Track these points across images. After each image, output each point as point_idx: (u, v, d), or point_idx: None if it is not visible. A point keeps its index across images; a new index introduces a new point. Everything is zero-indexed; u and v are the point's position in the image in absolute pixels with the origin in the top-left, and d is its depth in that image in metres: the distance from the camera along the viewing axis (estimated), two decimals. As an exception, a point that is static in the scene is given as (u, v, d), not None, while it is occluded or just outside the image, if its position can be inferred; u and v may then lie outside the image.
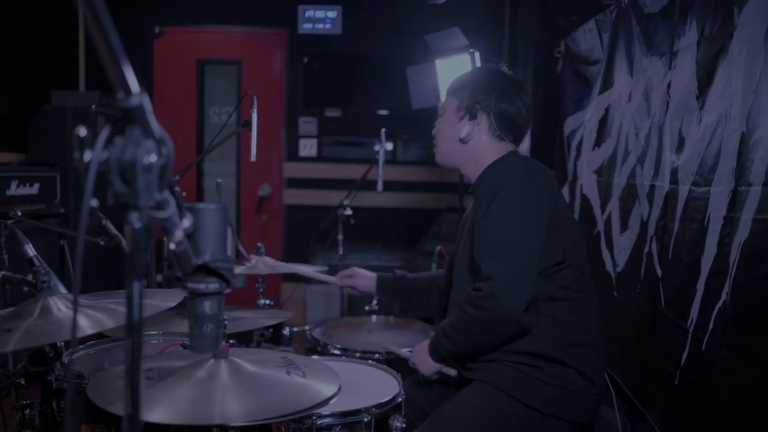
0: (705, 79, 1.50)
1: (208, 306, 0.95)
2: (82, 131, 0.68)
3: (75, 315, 0.65)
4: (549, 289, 1.49)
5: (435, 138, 1.75)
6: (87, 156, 0.68)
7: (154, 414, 1.01)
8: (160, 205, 0.74)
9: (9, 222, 2.14)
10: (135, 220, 0.68)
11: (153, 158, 0.68)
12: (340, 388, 1.16)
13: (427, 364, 1.63)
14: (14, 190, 3.29)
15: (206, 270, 0.91)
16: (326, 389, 1.13)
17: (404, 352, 1.79)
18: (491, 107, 1.62)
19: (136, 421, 0.71)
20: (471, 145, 1.65)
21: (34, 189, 3.41)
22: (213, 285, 0.92)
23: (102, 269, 3.63)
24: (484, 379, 1.55)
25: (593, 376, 1.51)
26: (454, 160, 1.72)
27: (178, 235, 0.81)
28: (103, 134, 0.68)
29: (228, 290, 2.14)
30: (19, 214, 2.29)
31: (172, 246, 0.81)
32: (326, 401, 1.10)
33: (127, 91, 0.66)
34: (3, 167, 3.34)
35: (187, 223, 0.83)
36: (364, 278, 2.07)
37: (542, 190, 1.52)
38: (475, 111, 1.63)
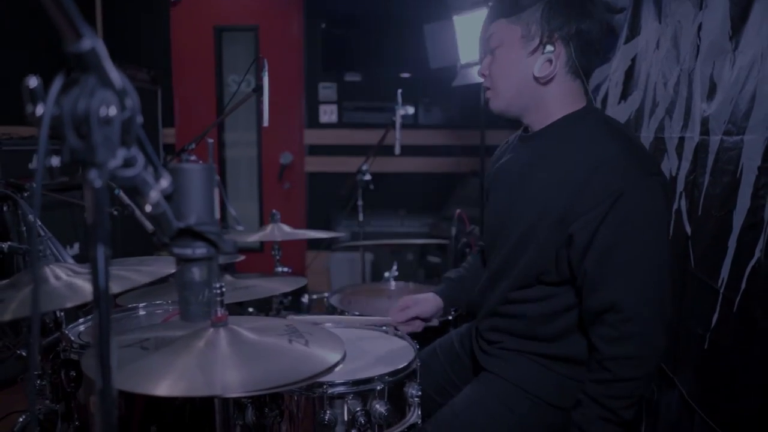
0: (739, 16, 1.38)
1: (197, 272, 0.90)
2: (33, 82, 0.62)
3: (36, 286, 0.61)
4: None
5: (486, 79, 1.39)
6: (39, 109, 0.62)
7: (151, 386, 0.97)
8: (128, 163, 0.68)
9: (25, 194, 2.14)
10: (94, 178, 0.63)
11: (112, 110, 0.63)
12: (344, 356, 1.11)
13: None
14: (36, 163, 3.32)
15: (192, 234, 0.86)
16: (329, 357, 1.08)
17: None
18: (571, 33, 1.28)
19: (108, 396, 0.66)
20: (550, 86, 1.32)
21: (56, 162, 3.43)
22: (200, 250, 0.87)
23: (127, 238, 3.66)
24: (501, 374, 1.41)
25: None
26: (520, 106, 1.37)
27: (154, 195, 0.75)
28: (56, 85, 0.62)
29: (240, 257, 2.08)
30: (35, 186, 2.30)
31: (148, 208, 0.76)
32: (329, 370, 1.05)
33: (76, 33, 0.59)
34: (25, 141, 3.36)
35: (164, 183, 0.77)
36: (426, 302, 1.62)
37: (665, 191, 1.26)
38: (553, 40, 1.28)
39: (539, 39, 1.29)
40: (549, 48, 1.29)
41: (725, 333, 1.45)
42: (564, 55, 1.30)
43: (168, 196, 0.79)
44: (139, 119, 0.67)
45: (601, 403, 1.22)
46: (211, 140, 1.31)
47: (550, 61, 1.29)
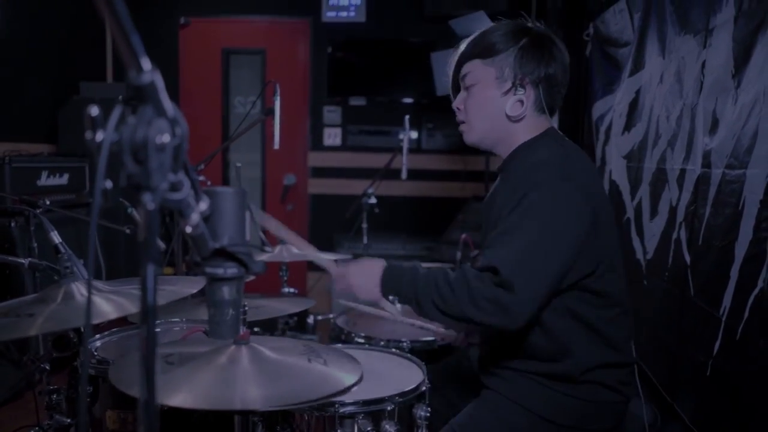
0: (742, 57, 1.44)
1: (226, 291, 0.94)
2: (94, 110, 0.66)
3: (89, 297, 0.64)
4: (575, 305, 1.35)
5: (460, 113, 1.50)
6: (99, 136, 0.66)
7: (174, 399, 1.00)
8: (175, 187, 0.73)
9: (38, 211, 2.18)
10: (148, 201, 0.67)
11: (166, 138, 0.67)
12: (362, 377, 1.14)
13: (367, 290, 1.40)
14: (45, 180, 3.36)
15: (224, 254, 0.89)
16: (347, 378, 1.11)
17: (328, 261, 1.50)
18: (541, 77, 1.39)
19: (151, 408, 0.69)
20: (518, 123, 1.43)
21: (64, 179, 3.48)
22: (231, 270, 0.91)
23: (131, 257, 3.69)
24: (499, 391, 1.45)
25: (621, 387, 1.40)
26: (492, 140, 1.49)
27: (194, 218, 0.79)
28: (115, 113, 0.67)
29: (251, 277, 2.12)
30: (48, 203, 2.34)
31: (188, 229, 0.80)
32: (347, 389, 1.09)
33: (138, 68, 0.64)
34: (33, 158, 3.41)
35: (203, 206, 0.81)
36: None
37: (584, 199, 1.30)
38: (524, 83, 1.40)
39: (512, 81, 1.40)
40: (520, 90, 1.41)
41: (728, 360, 1.48)
42: (533, 96, 1.42)
43: (204, 218, 0.84)
44: (186, 146, 0.72)
45: (442, 286, 1.29)
46: (239, 165, 1.35)
47: (521, 101, 1.41)
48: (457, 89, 1.53)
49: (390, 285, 1.38)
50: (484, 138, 1.49)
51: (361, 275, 1.41)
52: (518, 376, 1.44)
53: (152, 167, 0.66)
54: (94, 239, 0.64)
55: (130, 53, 0.62)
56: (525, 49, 1.40)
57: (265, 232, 1.54)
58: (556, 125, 1.52)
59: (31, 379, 1.70)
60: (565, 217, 1.28)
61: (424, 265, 1.60)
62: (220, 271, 0.90)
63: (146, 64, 0.64)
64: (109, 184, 0.71)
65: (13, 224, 2.98)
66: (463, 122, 1.50)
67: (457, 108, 1.51)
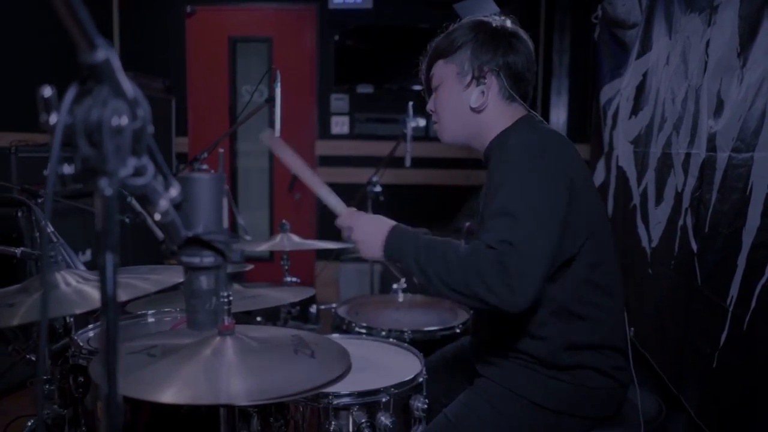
0: (748, 34, 1.38)
1: (204, 280, 0.91)
2: (47, 91, 0.63)
3: (45, 289, 0.62)
4: (564, 285, 1.32)
5: (434, 114, 1.55)
6: (53, 118, 0.63)
7: (156, 393, 0.98)
8: (138, 172, 0.70)
9: (39, 201, 2.16)
10: (105, 186, 0.64)
11: (123, 120, 0.64)
12: (349, 368, 1.11)
13: (370, 248, 1.40)
14: (51, 170, 3.36)
15: (200, 243, 0.86)
16: (334, 369, 1.08)
17: (339, 206, 1.51)
18: (500, 65, 1.43)
19: (113, 403, 0.67)
20: (485, 113, 1.46)
21: (69, 170, 3.48)
22: (208, 258, 0.88)
23: (140, 246, 3.68)
24: (491, 378, 1.44)
25: (614, 372, 1.36)
26: (464, 136, 1.52)
27: (163, 204, 0.76)
28: (70, 94, 0.64)
29: (248, 266, 2.09)
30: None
31: (157, 216, 0.77)
32: (333, 381, 1.05)
33: (91, 45, 0.61)
34: (40, 148, 3.40)
35: (173, 192, 0.78)
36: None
37: (559, 171, 1.29)
38: (483, 73, 1.43)
39: (472, 73, 1.44)
40: (482, 81, 1.44)
41: (734, 352, 1.43)
42: (496, 85, 1.45)
43: (177, 205, 0.80)
44: (150, 129, 0.68)
45: (434, 257, 1.27)
46: (221, 150, 1.33)
47: (483, 92, 1.44)
48: (430, 93, 1.57)
49: (393, 249, 1.36)
50: (456, 135, 1.52)
51: (366, 233, 1.41)
52: (508, 362, 1.42)
53: (108, 151, 0.63)
54: (46, 224, 0.62)
55: (78, 29, 0.59)
56: (480, 41, 1.44)
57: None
58: (565, 111, 1.50)
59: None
60: (546, 195, 1.26)
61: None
62: (196, 260, 0.87)
63: (99, 40, 0.61)
64: (67, 169, 0.69)
65: (20, 214, 2.98)
66: (436, 123, 1.55)
67: (431, 111, 1.55)
